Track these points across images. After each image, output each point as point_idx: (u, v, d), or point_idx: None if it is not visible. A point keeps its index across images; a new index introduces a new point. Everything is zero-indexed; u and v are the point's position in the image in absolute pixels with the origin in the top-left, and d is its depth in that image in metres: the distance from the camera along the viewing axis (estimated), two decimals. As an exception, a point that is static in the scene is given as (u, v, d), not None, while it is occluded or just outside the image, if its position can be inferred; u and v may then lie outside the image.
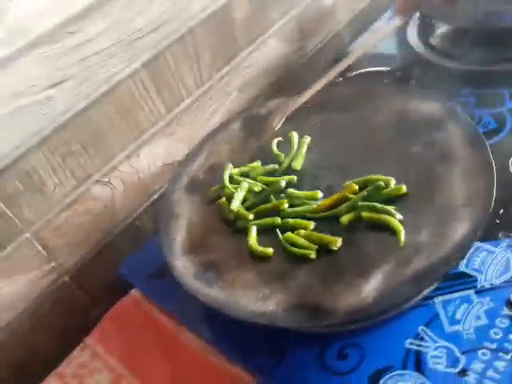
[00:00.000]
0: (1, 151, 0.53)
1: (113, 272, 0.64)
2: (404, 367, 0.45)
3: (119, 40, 0.58)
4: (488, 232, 0.51)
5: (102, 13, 0.56)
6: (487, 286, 0.49)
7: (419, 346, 0.46)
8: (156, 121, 0.67)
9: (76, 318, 0.65)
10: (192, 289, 0.49)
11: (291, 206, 0.55)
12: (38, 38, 0.51)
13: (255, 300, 0.47)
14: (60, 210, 0.60)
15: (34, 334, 0.62)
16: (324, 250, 0.50)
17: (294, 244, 0.51)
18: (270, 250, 0.51)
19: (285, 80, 0.85)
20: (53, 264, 0.61)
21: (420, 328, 0.47)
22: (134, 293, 0.62)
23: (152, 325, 0.59)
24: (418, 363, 0.45)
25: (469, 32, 0.74)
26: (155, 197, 0.71)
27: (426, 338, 0.47)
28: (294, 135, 0.62)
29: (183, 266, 0.52)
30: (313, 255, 0.49)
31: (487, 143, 0.52)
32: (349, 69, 0.77)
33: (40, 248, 0.59)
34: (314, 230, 0.52)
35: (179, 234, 0.56)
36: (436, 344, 0.46)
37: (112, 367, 0.56)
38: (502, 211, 0.54)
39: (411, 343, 0.47)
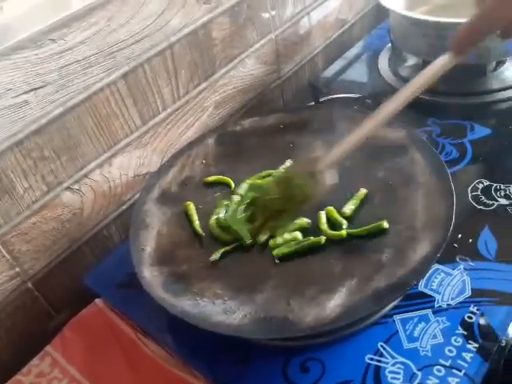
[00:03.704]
0: (-27, 152, 0.53)
1: (78, 280, 0.64)
2: (363, 382, 0.47)
3: (100, 50, 0.59)
4: (446, 255, 0.54)
5: (85, 23, 0.57)
6: (444, 306, 0.51)
7: (378, 361, 0.48)
8: (131, 131, 0.68)
9: (38, 325, 0.64)
10: (160, 299, 0.50)
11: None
12: (20, 42, 0.52)
13: (222, 312, 0.48)
14: (28, 215, 0.60)
15: (-7, 340, 0.61)
16: (291, 264, 0.52)
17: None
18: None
19: (259, 100, 0.87)
20: (17, 269, 0.60)
21: (379, 344, 0.49)
22: (99, 302, 0.62)
23: (115, 335, 0.58)
24: (377, 378, 0.47)
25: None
26: (124, 207, 0.71)
27: (385, 353, 0.48)
28: None
29: (152, 275, 0.52)
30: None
31: (449, 171, 0.55)
32: (322, 94, 0.80)
33: (4, 252, 0.58)
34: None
35: (149, 245, 0.56)
36: (394, 360, 0.48)
37: (72, 377, 0.55)
38: (459, 236, 0.57)
39: (371, 358, 0.48)
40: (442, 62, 0.46)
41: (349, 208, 0.56)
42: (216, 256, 0.54)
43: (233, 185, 0.63)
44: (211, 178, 0.65)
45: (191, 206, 0.60)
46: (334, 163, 0.52)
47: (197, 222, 0.59)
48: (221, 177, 0.65)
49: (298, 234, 0.54)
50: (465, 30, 0.44)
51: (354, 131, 0.50)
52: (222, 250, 0.55)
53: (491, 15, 0.43)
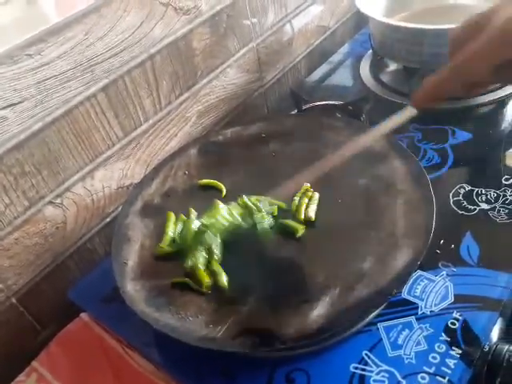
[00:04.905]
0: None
1: (63, 294, 0.63)
2: (348, 391, 0.47)
3: (78, 64, 0.59)
4: (429, 261, 0.55)
5: (62, 37, 0.56)
6: (427, 312, 0.51)
7: (363, 370, 0.48)
8: (112, 143, 0.67)
9: (24, 340, 0.64)
10: (142, 314, 0.49)
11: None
12: (-5, 58, 0.51)
13: (206, 325, 0.48)
14: (10, 231, 0.59)
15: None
16: (274, 275, 0.52)
17: None
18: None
19: (242, 108, 0.87)
20: (0, 286, 0.60)
21: (364, 353, 0.49)
22: (84, 316, 0.61)
23: (102, 349, 0.58)
24: (362, 387, 0.47)
25: (416, 71, 0.78)
26: (108, 220, 0.71)
27: (369, 362, 0.48)
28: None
29: (134, 290, 0.52)
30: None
31: (428, 177, 0.56)
32: (304, 101, 0.80)
33: (-13, 269, 0.58)
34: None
35: (131, 258, 0.56)
36: (379, 368, 0.48)
37: (58, 393, 0.55)
38: (442, 242, 0.57)
39: (355, 367, 0.48)
40: (406, 115, 0.47)
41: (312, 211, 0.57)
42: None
43: (224, 190, 0.63)
44: (205, 181, 0.65)
45: (171, 217, 0.60)
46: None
47: (169, 234, 0.58)
48: (214, 181, 0.64)
49: None
50: (428, 88, 0.44)
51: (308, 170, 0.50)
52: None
53: (455, 75, 0.43)
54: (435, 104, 0.45)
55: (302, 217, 0.57)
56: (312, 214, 0.57)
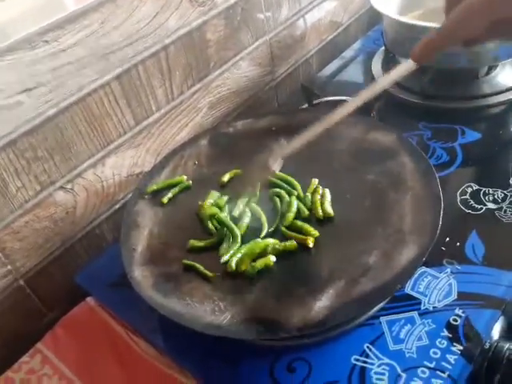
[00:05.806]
0: (-34, 151, 0.53)
1: (70, 278, 0.64)
2: (349, 382, 0.47)
3: (93, 52, 0.60)
4: (434, 258, 0.55)
5: (79, 25, 0.57)
6: (430, 308, 0.52)
7: (364, 362, 0.49)
8: (124, 131, 0.68)
9: (30, 322, 0.65)
10: (149, 299, 0.50)
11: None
12: (14, 43, 0.52)
13: (211, 312, 0.48)
14: (21, 214, 0.60)
15: (-16, 337, 0.61)
16: (280, 266, 0.53)
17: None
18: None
19: (253, 101, 0.88)
20: (9, 267, 0.61)
21: (365, 345, 0.50)
22: (90, 300, 0.62)
23: (106, 333, 0.59)
24: (362, 379, 0.48)
25: (429, 70, 0.78)
26: (117, 206, 0.72)
27: (370, 354, 0.49)
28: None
29: (142, 275, 0.53)
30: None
31: (437, 175, 0.56)
32: (315, 96, 0.80)
33: (-3, 250, 0.59)
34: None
35: (140, 245, 0.57)
36: (380, 361, 0.48)
37: (63, 374, 0.56)
38: (447, 239, 0.58)
39: (357, 359, 0.49)
40: (404, 67, 0.48)
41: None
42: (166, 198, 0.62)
43: None
44: (226, 178, 0.64)
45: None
46: (290, 155, 0.52)
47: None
48: (235, 171, 0.65)
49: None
50: (426, 42, 0.45)
51: (314, 124, 0.51)
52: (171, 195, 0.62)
53: (451, 32, 0.43)
54: (432, 58, 0.46)
55: (321, 213, 0.56)
56: (330, 209, 0.57)
